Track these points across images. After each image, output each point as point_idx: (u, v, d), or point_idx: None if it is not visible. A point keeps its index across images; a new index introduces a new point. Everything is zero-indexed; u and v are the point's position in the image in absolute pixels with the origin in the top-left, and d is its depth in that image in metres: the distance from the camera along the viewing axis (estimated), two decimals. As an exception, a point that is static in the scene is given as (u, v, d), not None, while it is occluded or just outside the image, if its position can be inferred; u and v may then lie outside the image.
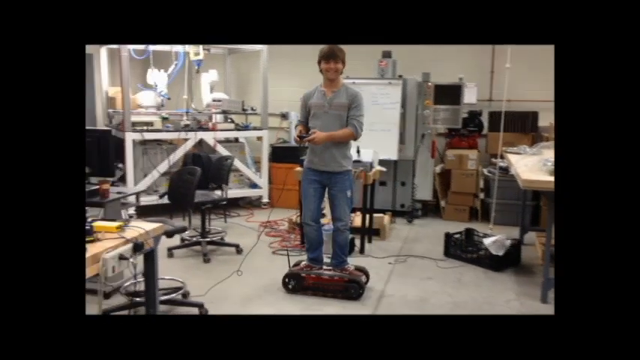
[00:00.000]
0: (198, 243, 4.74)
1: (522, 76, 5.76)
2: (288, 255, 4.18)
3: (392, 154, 5.85)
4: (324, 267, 3.95)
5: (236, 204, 6.53)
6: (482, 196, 6.13)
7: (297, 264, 4.07)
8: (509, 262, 4.50)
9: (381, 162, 5.25)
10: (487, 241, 4.47)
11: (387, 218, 5.51)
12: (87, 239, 2.30)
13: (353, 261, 4.59)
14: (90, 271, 2.17)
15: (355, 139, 3.78)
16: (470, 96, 6.07)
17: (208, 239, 4.80)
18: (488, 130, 6.33)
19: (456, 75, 6.03)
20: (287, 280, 3.88)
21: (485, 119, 6.39)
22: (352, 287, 3.76)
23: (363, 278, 3.92)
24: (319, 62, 3.66)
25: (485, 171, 6.11)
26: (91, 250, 2.23)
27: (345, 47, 3.63)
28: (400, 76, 6.02)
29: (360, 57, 6.25)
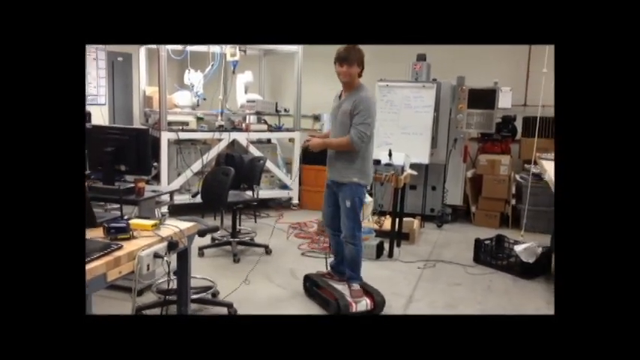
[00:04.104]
0: (228, 243, 4.82)
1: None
2: (326, 259, 4.06)
3: (423, 158, 5.83)
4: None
5: (266, 205, 6.60)
6: (513, 202, 6.04)
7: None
8: (539, 269, 4.43)
9: (413, 165, 5.24)
10: (518, 248, 4.41)
11: (416, 222, 5.49)
12: (123, 237, 2.38)
13: (381, 265, 4.61)
14: (125, 269, 2.23)
15: (353, 149, 3.45)
16: (504, 101, 5.99)
17: (238, 239, 4.88)
18: (522, 136, 6.24)
19: (490, 79, 5.96)
20: (305, 281, 3.92)
21: (519, 124, 6.29)
22: (331, 304, 3.52)
23: (364, 302, 3.53)
24: (335, 64, 3.48)
25: (517, 177, 6.02)
26: (127, 247, 2.28)
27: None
28: (434, 80, 5.99)
29: (394, 60, 6.26)
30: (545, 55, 4.71)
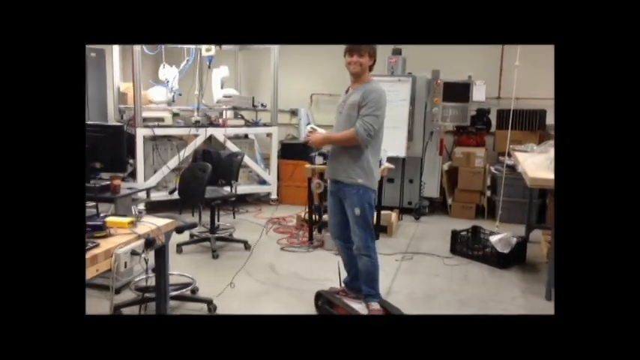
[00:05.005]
0: (207, 239, 4.80)
1: (531, 74, 5.75)
2: (339, 273, 3.61)
3: (400, 152, 5.88)
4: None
5: (244, 200, 6.59)
6: (488, 193, 6.14)
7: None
8: (515, 259, 4.53)
9: (390, 159, 5.28)
10: (493, 239, 4.49)
11: (394, 215, 5.55)
12: (99, 234, 2.36)
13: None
14: (102, 267, 2.23)
15: (358, 143, 3.13)
16: (479, 94, 6.08)
17: (217, 235, 4.86)
18: (496, 128, 6.33)
19: (465, 73, 6.04)
20: (317, 299, 3.56)
21: (493, 117, 6.39)
22: None
23: None
24: (344, 55, 3.24)
25: (492, 169, 6.12)
26: (104, 245, 2.27)
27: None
28: (410, 74, 6.04)
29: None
30: (517, 49, 4.79)
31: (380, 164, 4.77)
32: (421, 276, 4.27)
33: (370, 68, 3.28)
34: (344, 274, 3.59)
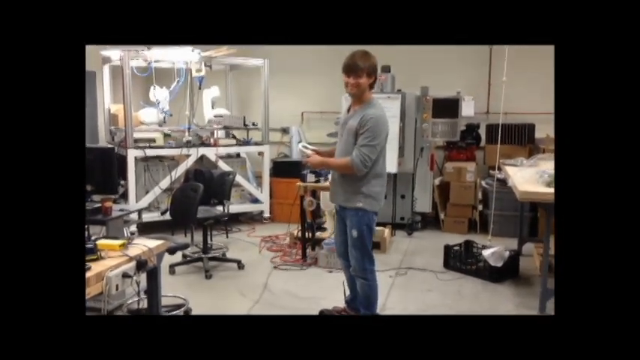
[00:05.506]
0: (200, 259, 4.78)
1: (519, 88, 5.83)
2: (344, 287, 3.65)
3: (392, 168, 5.88)
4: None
5: (237, 219, 6.58)
6: (480, 207, 6.17)
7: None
8: (507, 273, 4.54)
9: (381, 176, 5.30)
10: (486, 253, 4.50)
11: (387, 231, 5.55)
12: (91, 258, 2.35)
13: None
14: (93, 290, 2.21)
15: (354, 173, 3.08)
16: (467, 109, 6.15)
17: (210, 255, 4.84)
18: (486, 143, 6.38)
19: (453, 88, 6.10)
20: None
21: (482, 132, 6.45)
22: None
23: None
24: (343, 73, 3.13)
25: (483, 183, 6.16)
26: (95, 268, 2.26)
27: (341, 52, 3.12)
28: (399, 90, 6.10)
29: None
30: (504, 64, 4.85)
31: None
32: (415, 291, 4.26)
33: (371, 87, 3.15)
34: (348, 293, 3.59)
